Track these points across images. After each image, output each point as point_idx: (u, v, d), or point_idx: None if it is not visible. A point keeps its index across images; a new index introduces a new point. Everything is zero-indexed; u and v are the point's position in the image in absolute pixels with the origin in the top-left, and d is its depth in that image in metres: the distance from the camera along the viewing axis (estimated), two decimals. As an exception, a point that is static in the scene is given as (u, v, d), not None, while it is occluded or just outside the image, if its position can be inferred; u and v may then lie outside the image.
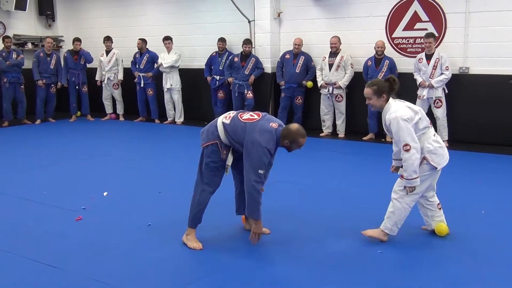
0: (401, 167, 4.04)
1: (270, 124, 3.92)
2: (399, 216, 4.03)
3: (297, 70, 9.04)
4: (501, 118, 7.71)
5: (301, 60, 9.03)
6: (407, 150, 3.83)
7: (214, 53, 9.86)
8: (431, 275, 3.60)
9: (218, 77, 9.73)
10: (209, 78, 9.91)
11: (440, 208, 4.25)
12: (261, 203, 3.91)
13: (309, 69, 9.06)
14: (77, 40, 10.68)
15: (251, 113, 4.06)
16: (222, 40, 9.70)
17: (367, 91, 3.98)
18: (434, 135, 4.02)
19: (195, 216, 4.15)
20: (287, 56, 9.16)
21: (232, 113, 4.09)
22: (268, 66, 9.47)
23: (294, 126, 3.94)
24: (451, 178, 6.18)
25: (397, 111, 3.87)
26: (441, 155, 3.99)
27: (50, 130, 10.03)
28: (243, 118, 3.97)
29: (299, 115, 9.21)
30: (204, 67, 9.96)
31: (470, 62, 7.92)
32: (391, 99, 3.97)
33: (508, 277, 3.57)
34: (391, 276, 3.63)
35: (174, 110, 10.49)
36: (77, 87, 10.79)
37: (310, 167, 6.81)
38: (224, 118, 4.05)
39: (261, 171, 3.81)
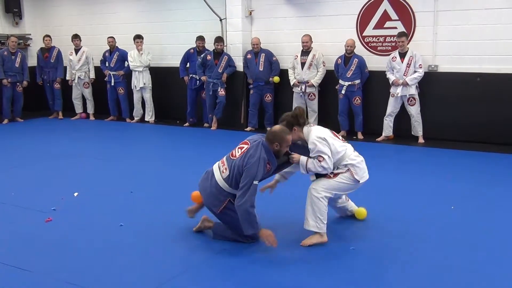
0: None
1: (256, 142, 3.99)
2: (319, 211, 4.02)
3: (261, 68, 9.07)
4: (469, 115, 7.86)
5: (262, 57, 9.06)
6: (320, 161, 4.00)
7: (192, 50, 9.62)
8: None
9: (198, 77, 9.51)
10: (186, 78, 9.73)
11: (348, 200, 4.55)
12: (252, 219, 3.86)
13: (272, 64, 9.10)
14: (46, 36, 10.59)
15: (239, 146, 4.07)
16: (201, 39, 9.50)
17: None
18: (354, 151, 4.19)
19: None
20: (249, 56, 9.20)
21: (224, 162, 4.07)
22: (240, 64, 9.46)
23: (276, 127, 4.01)
24: (422, 174, 6.30)
25: (314, 133, 4.07)
26: (363, 169, 4.16)
27: (18, 129, 9.82)
28: (236, 156, 3.99)
29: (270, 112, 9.23)
30: (178, 65, 9.72)
31: (439, 60, 8.06)
32: (306, 127, 4.14)
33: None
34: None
35: (143, 109, 10.40)
36: (48, 84, 10.77)
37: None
38: (221, 174, 4.02)
39: (255, 182, 3.82)
